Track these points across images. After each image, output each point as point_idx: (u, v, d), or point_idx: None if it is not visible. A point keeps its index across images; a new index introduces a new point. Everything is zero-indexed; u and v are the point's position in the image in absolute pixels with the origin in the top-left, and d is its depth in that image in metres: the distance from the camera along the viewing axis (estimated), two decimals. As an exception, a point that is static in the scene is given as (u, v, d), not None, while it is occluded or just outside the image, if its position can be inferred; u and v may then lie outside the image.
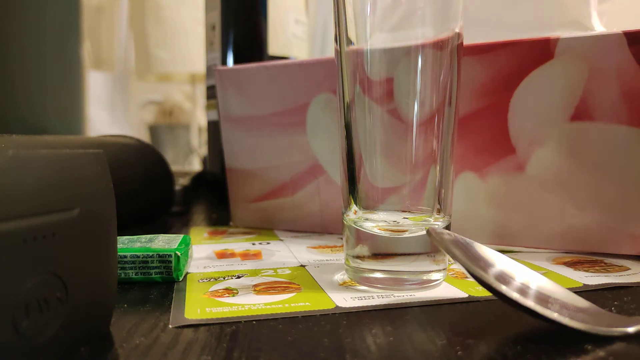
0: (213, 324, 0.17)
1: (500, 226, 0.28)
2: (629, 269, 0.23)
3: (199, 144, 1.36)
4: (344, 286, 0.21)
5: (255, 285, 0.22)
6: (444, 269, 0.21)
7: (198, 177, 0.55)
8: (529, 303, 0.15)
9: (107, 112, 1.44)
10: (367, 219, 0.21)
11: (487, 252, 0.18)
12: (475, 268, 0.16)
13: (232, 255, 0.28)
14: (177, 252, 0.22)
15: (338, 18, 0.21)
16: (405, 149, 0.20)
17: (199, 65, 1.08)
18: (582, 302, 0.17)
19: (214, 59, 0.47)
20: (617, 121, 0.25)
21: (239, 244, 0.30)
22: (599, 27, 0.34)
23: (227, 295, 0.20)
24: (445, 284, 0.21)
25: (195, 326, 0.17)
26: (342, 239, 0.23)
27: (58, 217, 0.14)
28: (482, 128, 0.27)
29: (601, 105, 0.25)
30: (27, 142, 0.29)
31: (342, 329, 0.17)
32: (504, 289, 0.16)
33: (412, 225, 0.21)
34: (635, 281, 0.21)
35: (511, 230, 0.28)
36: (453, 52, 0.20)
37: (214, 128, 0.48)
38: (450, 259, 0.21)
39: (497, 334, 0.16)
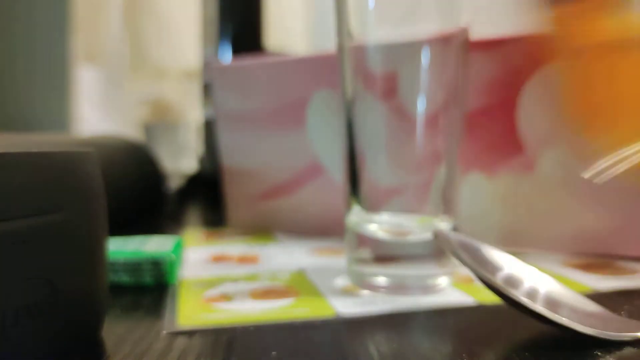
0: (208, 330, 0.17)
1: (509, 228, 0.27)
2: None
3: (195, 143, 1.35)
4: (345, 291, 0.21)
5: (252, 291, 0.21)
6: (450, 273, 0.21)
7: (193, 177, 0.55)
8: (538, 308, 0.15)
9: (101, 109, 1.44)
10: (370, 221, 0.21)
11: (496, 255, 0.18)
12: (483, 272, 0.16)
13: (228, 258, 0.27)
14: (170, 255, 0.22)
15: (339, 11, 0.20)
16: (409, 147, 0.20)
17: (194, 60, 1.08)
18: (592, 307, 0.17)
19: (210, 54, 0.47)
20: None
21: (235, 247, 0.30)
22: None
23: (223, 300, 0.20)
24: (451, 289, 0.21)
25: (190, 333, 0.17)
26: (343, 241, 0.22)
27: (47, 219, 0.14)
28: (489, 126, 0.27)
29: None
30: (14, 140, 0.28)
31: (343, 336, 0.17)
32: (512, 293, 0.16)
33: (417, 227, 0.20)
34: (647, 285, 0.21)
35: (520, 232, 0.27)
36: (460, 47, 0.20)
37: (210, 126, 0.48)
38: (457, 262, 0.20)
39: (505, 342, 0.16)
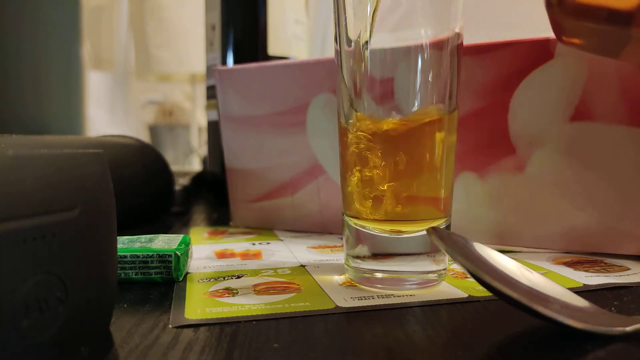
0: (213, 324, 0.17)
1: (500, 226, 0.28)
2: (628, 268, 0.23)
3: (199, 144, 1.36)
4: (344, 286, 0.21)
5: (255, 285, 0.22)
6: (444, 269, 0.21)
7: (198, 177, 0.55)
8: (530, 302, 0.15)
9: (107, 112, 1.45)
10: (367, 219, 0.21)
11: (487, 251, 0.18)
12: (475, 268, 0.16)
13: (232, 255, 0.28)
14: (177, 252, 0.22)
15: (338, 18, 0.21)
16: (405, 149, 0.20)
17: (199, 65, 1.08)
18: (581, 302, 0.17)
19: (214, 59, 0.47)
20: (617, 121, 0.25)
21: (239, 244, 0.30)
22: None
23: (227, 295, 0.20)
24: (445, 284, 0.21)
25: (195, 326, 0.17)
26: (342, 239, 0.23)
27: (58, 217, 0.14)
28: (482, 128, 0.27)
29: (601, 105, 0.25)
30: (27, 142, 0.29)
31: (342, 329, 0.17)
32: (504, 288, 0.15)
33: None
34: (635, 281, 0.21)
35: (511, 230, 0.28)
36: (453, 52, 0.20)
37: (214, 128, 0.48)
38: (450, 258, 0.21)
39: (497, 334, 0.17)
